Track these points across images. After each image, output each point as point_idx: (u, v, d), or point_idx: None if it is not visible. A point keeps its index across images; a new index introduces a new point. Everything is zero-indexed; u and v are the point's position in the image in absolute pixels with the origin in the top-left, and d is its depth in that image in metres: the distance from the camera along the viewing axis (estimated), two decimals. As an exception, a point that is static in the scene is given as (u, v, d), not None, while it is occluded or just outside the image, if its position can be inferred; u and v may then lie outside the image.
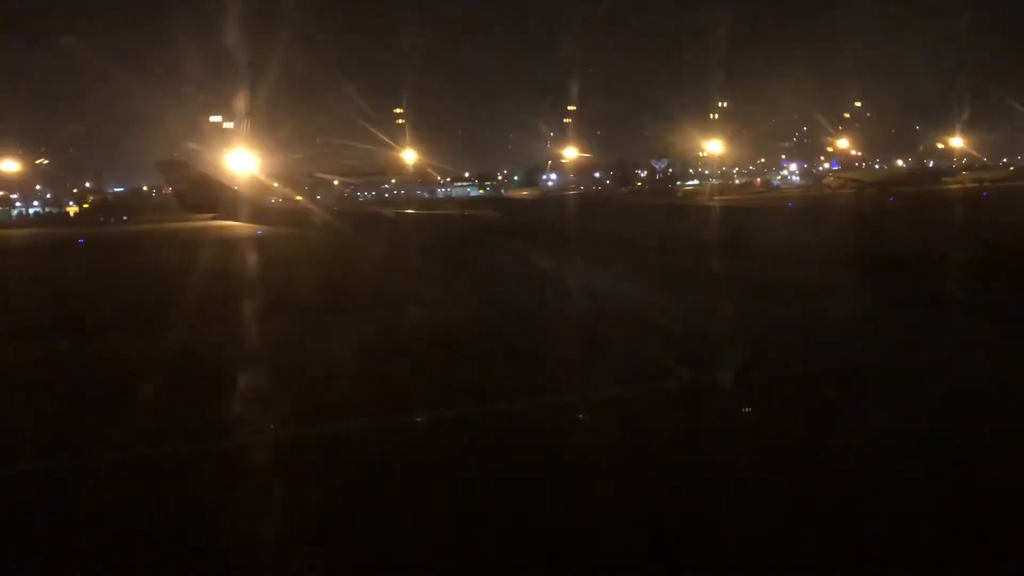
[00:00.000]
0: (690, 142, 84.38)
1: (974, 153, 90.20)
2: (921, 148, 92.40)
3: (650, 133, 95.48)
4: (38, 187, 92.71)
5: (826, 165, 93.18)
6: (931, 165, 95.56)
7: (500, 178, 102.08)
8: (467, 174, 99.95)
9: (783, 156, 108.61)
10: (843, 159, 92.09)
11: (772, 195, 71.64)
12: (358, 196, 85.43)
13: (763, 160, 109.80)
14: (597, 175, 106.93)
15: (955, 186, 66.52)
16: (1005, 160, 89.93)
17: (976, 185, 65.67)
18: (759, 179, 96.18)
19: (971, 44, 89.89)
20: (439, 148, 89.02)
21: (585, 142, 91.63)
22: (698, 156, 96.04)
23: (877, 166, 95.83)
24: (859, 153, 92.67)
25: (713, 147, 76.76)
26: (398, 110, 79.85)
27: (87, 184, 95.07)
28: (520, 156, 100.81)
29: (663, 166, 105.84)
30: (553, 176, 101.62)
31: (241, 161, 58.58)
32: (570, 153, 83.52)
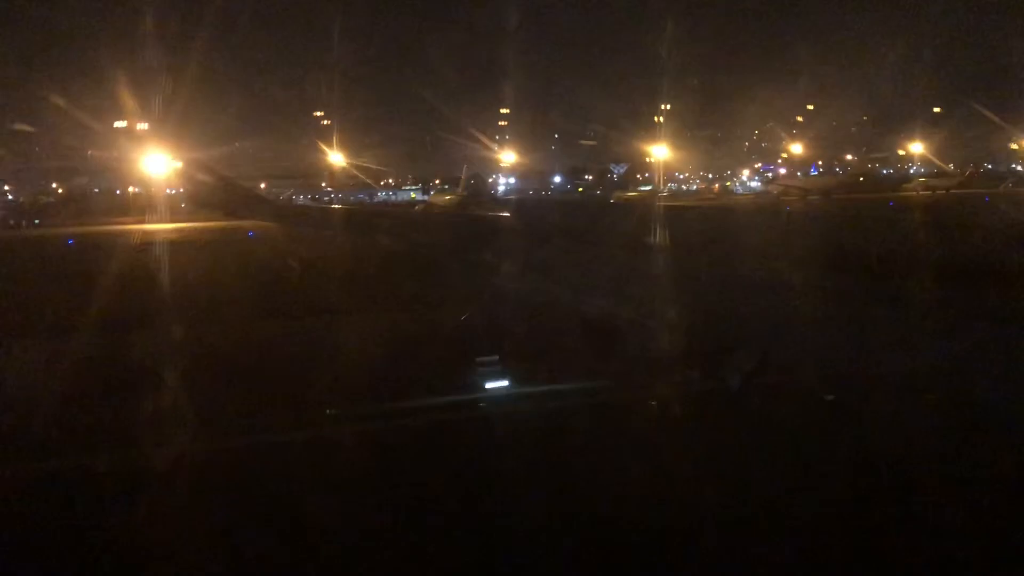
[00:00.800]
0: (645, 148, 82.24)
1: (936, 160, 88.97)
2: (863, 153, 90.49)
3: (610, 139, 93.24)
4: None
5: (783, 171, 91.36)
6: (885, 172, 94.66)
7: (437, 182, 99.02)
8: (410, 177, 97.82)
9: (755, 161, 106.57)
10: (799, 165, 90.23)
11: (712, 200, 70.96)
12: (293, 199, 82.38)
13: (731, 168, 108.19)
14: (558, 179, 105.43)
15: (911, 193, 65.53)
16: (972, 167, 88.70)
17: (929, 192, 64.93)
18: (716, 185, 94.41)
19: (936, 49, 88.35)
20: (390, 152, 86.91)
21: (544, 147, 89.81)
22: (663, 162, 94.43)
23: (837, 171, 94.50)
24: (814, 158, 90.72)
25: (659, 152, 74.80)
26: (318, 113, 76.99)
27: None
28: (480, 162, 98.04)
29: (622, 171, 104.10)
30: (512, 180, 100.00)
31: (155, 164, 56.47)
32: (508, 158, 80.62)
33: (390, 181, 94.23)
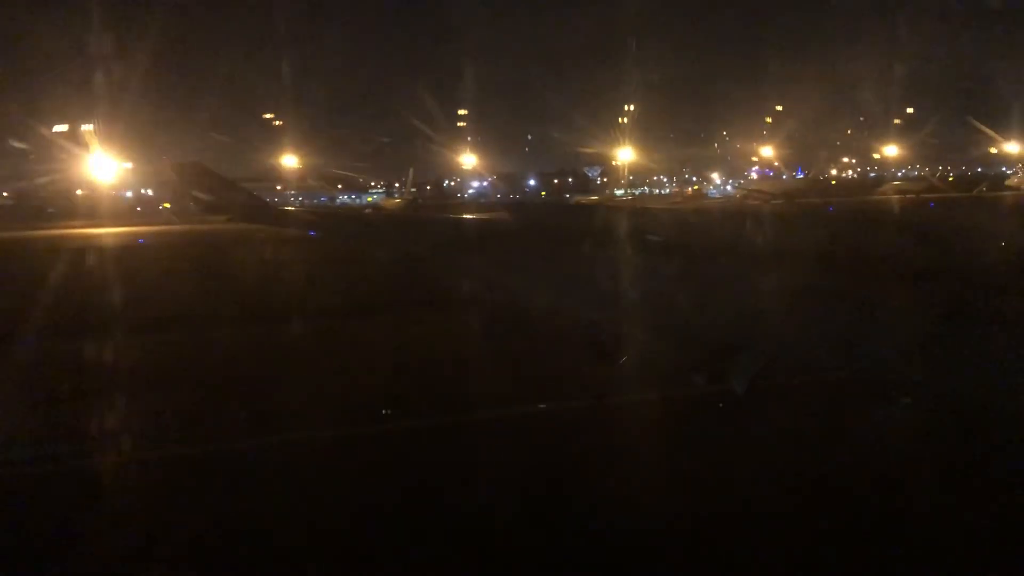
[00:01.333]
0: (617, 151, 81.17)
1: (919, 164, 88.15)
2: (824, 158, 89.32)
3: (584, 142, 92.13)
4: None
5: (754, 175, 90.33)
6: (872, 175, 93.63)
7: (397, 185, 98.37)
8: (372, 183, 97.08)
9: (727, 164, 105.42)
10: (771, 167, 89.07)
11: (678, 203, 69.83)
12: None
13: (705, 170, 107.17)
14: (533, 183, 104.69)
15: (878, 197, 64.69)
16: (941, 171, 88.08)
17: (899, 196, 63.99)
18: (690, 188, 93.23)
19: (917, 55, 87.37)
20: (358, 155, 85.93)
21: (516, 150, 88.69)
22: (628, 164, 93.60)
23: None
24: (782, 163, 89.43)
25: (624, 155, 73.85)
26: (268, 115, 75.77)
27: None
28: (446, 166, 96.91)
29: (596, 174, 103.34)
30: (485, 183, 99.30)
31: (102, 166, 55.59)
32: (469, 160, 79.30)
33: (372, 183, 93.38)
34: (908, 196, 62.81)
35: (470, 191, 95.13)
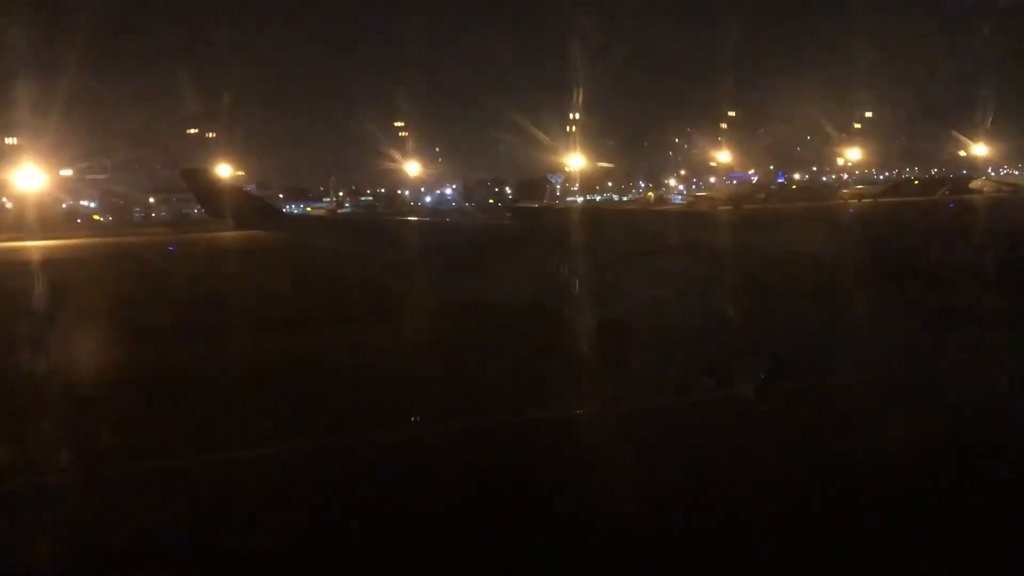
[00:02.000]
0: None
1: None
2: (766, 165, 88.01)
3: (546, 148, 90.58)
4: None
5: (712, 180, 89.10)
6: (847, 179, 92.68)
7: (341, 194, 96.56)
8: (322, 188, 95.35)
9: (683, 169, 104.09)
10: (726, 173, 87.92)
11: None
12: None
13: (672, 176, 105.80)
14: (497, 190, 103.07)
15: (835, 201, 63.78)
16: (896, 175, 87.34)
17: (856, 200, 63.31)
18: (651, 193, 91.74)
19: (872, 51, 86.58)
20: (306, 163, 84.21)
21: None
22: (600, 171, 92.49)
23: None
24: (737, 166, 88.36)
25: (576, 162, 72.34)
26: (192, 131, 73.68)
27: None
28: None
29: (559, 180, 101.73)
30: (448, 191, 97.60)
31: (28, 178, 53.98)
32: (413, 168, 77.27)
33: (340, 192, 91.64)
34: (874, 200, 62.44)
35: (428, 200, 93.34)
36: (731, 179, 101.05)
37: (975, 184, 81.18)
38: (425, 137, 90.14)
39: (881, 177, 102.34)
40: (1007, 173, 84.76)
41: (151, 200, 76.83)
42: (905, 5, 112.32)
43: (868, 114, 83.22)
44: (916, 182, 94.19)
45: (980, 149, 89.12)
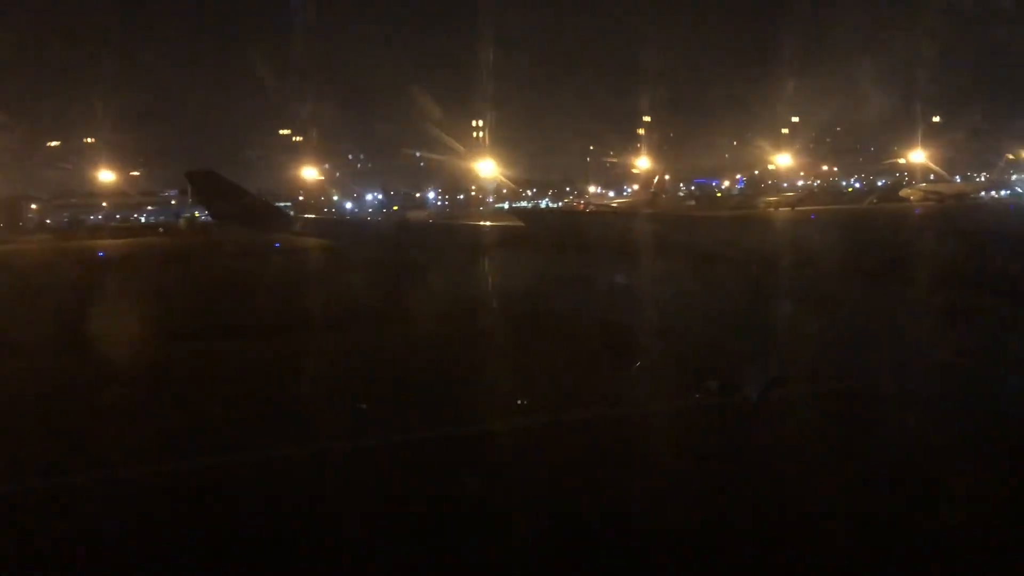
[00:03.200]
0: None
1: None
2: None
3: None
4: None
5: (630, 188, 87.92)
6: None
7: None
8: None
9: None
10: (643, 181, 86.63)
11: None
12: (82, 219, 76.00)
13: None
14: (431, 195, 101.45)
15: (747, 210, 63.15)
16: (811, 184, 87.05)
17: (772, 208, 63.01)
18: (581, 201, 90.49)
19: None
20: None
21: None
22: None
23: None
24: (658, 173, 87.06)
25: (486, 168, 70.88)
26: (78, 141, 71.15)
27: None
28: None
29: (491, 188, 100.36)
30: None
31: None
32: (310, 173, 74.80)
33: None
34: (791, 208, 61.97)
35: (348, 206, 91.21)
36: (696, 184, 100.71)
37: (904, 192, 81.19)
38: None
39: (817, 183, 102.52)
40: (933, 180, 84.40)
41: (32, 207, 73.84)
42: (839, 10, 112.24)
43: (794, 119, 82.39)
44: (850, 190, 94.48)
45: (918, 156, 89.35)
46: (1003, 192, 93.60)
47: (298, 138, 76.79)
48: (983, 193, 79.69)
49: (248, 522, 6.04)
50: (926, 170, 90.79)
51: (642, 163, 78.50)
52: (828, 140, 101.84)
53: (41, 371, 11.60)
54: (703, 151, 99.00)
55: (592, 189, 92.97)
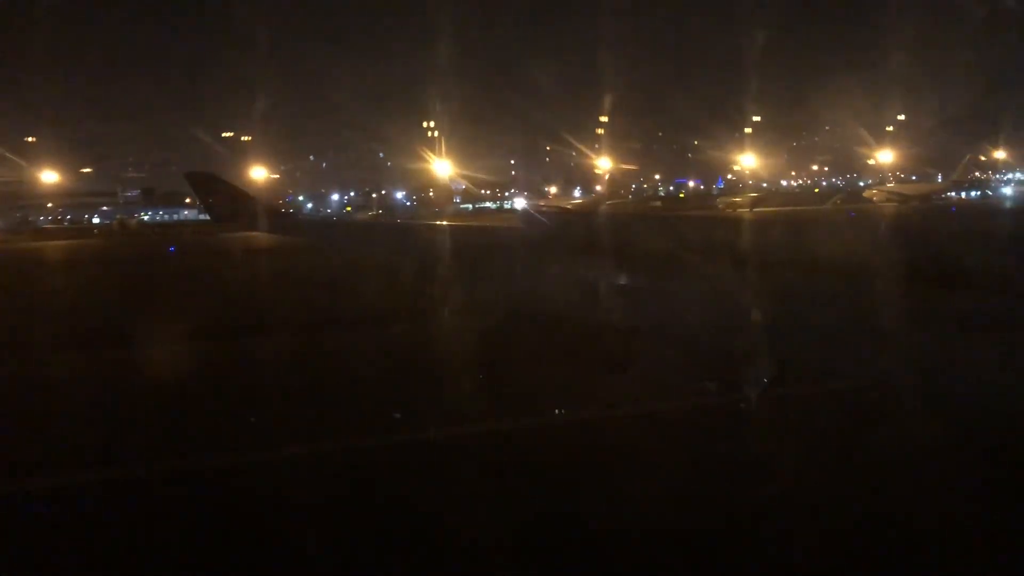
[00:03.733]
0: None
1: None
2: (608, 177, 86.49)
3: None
4: None
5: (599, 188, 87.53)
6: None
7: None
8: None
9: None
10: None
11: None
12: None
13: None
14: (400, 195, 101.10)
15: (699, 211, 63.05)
16: (765, 186, 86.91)
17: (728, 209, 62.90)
18: (541, 202, 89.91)
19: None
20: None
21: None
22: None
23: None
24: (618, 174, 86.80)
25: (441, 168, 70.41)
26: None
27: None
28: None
29: (462, 187, 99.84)
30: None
31: None
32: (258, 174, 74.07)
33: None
34: (749, 209, 61.89)
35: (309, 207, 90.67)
36: (678, 183, 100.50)
37: (868, 192, 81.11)
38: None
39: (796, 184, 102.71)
40: (893, 182, 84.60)
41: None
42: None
43: (756, 118, 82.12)
44: (817, 191, 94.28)
45: (886, 156, 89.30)
46: (974, 193, 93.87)
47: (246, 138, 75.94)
48: (952, 194, 79.63)
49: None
50: (894, 170, 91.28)
51: (603, 163, 78.15)
52: (798, 143, 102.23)
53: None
54: (671, 153, 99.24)
55: (552, 190, 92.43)
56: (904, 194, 73.99)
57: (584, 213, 52.66)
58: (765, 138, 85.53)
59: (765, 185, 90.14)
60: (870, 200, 74.69)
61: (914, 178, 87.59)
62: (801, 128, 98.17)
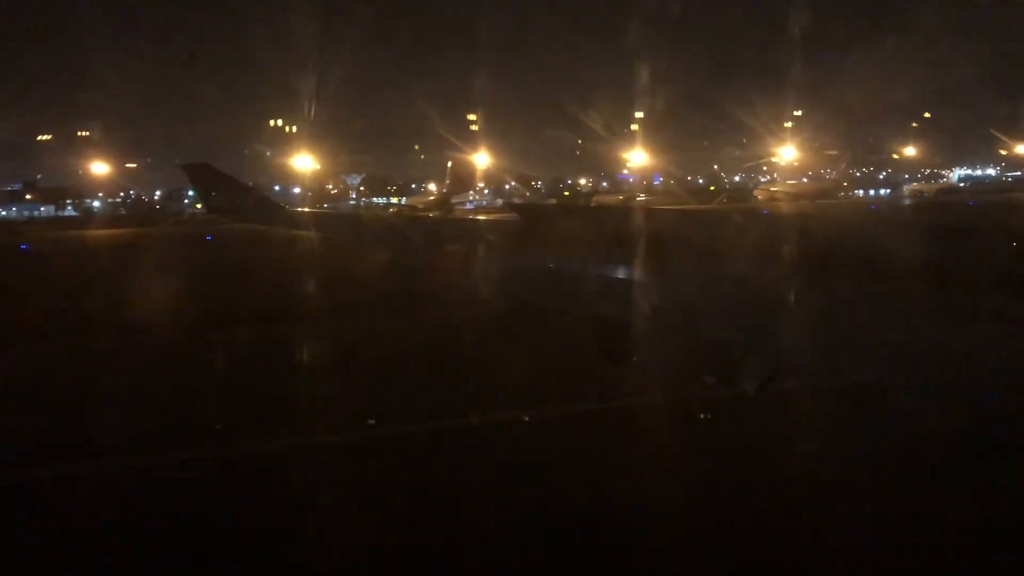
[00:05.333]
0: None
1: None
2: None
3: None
4: None
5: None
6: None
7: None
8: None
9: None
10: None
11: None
12: None
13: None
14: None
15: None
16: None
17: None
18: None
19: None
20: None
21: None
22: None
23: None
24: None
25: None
26: None
27: None
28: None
29: (355, 182, 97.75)
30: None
31: None
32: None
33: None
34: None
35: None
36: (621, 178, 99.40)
37: (757, 192, 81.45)
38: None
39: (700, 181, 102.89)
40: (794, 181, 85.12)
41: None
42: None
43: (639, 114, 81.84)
44: (712, 188, 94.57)
45: (789, 153, 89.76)
46: (872, 192, 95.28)
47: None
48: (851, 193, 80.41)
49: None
50: (802, 169, 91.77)
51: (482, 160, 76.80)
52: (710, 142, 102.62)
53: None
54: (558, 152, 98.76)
55: (433, 187, 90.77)
56: (793, 193, 74.21)
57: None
58: (668, 135, 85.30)
59: (658, 183, 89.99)
60: (757, 199, 74.92)
61: (804, 179, 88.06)
62: (710, 128, 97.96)
